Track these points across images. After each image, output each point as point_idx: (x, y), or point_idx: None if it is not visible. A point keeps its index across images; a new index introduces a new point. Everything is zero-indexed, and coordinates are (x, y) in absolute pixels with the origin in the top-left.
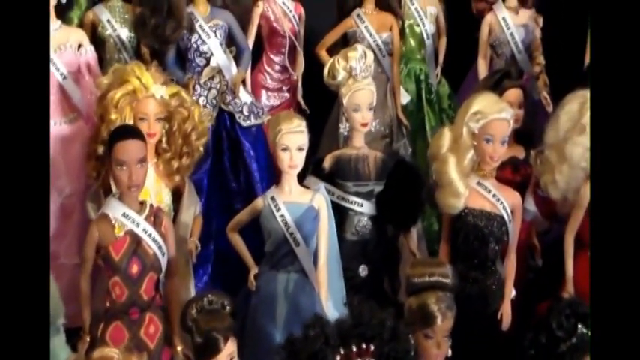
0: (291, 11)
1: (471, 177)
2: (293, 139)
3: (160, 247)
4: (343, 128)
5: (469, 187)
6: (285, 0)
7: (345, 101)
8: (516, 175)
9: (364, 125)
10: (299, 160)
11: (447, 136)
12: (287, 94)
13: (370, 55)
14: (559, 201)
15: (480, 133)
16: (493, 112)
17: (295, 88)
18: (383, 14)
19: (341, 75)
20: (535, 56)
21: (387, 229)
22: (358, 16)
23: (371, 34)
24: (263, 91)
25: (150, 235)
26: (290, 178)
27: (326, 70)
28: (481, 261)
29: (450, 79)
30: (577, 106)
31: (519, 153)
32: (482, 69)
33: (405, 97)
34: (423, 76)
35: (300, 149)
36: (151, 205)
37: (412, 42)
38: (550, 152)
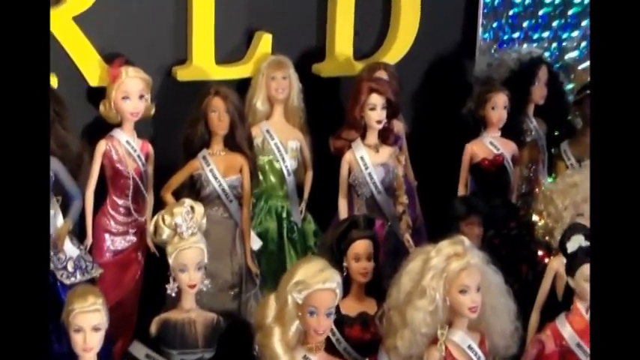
0: (135, 150)
1: (298, 349)
2: (87, 319)
3: None
4: (170, 289)
5: None
6: (130, 138)
7: (170, 261)
8: (366, 332)
9: (192, 287)
10: (94, 342)
11: (272, 304)
12: (134, 238)
13: (199, 210)
14: None
15: (303, 304)
16: (316, 283)
17: (143, 230)
18: (232, 155)
19: (166, 233)
20: (397, 195)
21: None
22: (204, 157)
23: (216, 178)
24: (107, 236)
25: None
26: None
27: (150, 228)
28: None
29: (318, 215)
30: (420, 265)
31: (371, 308)
32: (343, 210)
33: (255, 243)
34: (284, 214)
35: (96, 329)
36: None
37: (272, 178)
38: (394, 314)
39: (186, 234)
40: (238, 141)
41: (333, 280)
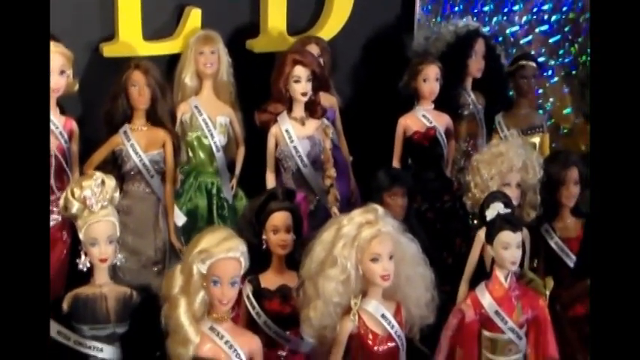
0: (58, 127)
1: (205, 321)
2: None
3: None
4: (81, 264)
5: (201, 333)
6: (51, 115)
7: (81, 235)
8: (286, 305)
9: (103, 261)
10: None
11: (177, 276)
12: (58, 217)
13: (110, 183)
14: (316, 340)
15: (207, 273)
16: (219, 252)
17: None
18: (154, 130)
19: (75, 207)
20: (326, 169)
21: None
22: (125, 132)
23: (137, 153)
24: None
25: None
26: None
27: (61, 202)
28: None
29: (251, 191)
30: (332, 234)
31: (291, 281)
32: (270, 184)
33: (179, 219)
34: (215, 190)
35: None
36: None
37: (201, 154)
38: (308, 285)
39: (95, 207)
40: (160, 115)
41: (237, 249)
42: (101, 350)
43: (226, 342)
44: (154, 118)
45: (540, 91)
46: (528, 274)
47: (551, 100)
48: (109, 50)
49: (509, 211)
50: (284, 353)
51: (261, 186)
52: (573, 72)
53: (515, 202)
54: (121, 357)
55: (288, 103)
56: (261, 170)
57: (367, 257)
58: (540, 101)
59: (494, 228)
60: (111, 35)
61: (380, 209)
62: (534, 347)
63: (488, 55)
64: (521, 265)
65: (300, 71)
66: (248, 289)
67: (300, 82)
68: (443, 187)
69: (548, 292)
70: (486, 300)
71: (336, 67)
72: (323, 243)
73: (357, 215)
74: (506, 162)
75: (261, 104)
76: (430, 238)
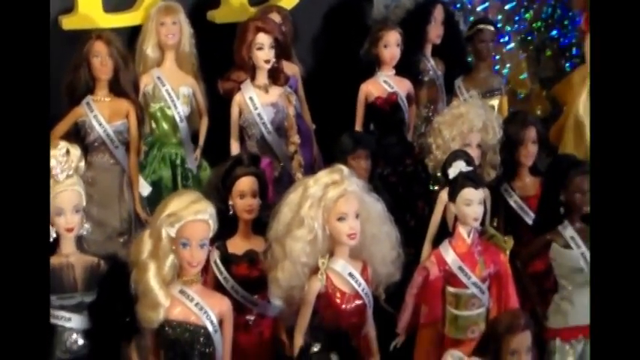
0: None
1: (175, 284)
2: None
3: None
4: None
5: (170, 296)
6: None
7: None
8: (253, 269)
9: (69, 230)
10: None
11: (146, 240)
12: None
13: (75, 153)
14: (284, 301)
15: (176, 237)
16: (188, 214)
17: None
18: (117, 100)
19: None
20: (289, 135)
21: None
22: (87, 104)
23: (100, 124)
24: None
25: None
26: None
27: None
28: None
29: (215, 161)
30: (299, 195)
31: (258, 245)
32: (235, 151)
33: (144, 189)
34: (179, 161)
35: None
36: None
37: (165, 125)
38: (275, 246)
39: (61, 176)
40: (123, 85)
41: (205, 211)
42: (69, 320)
43: (196, 304)
44: (116, 88)
45: (497, 57)
46: (489, 230)
47: (507, 65)
48: (68, 23)
49: (471, 169)
50: (252, 317)
51: (226, 156)
52: (529, 38)
53: (476, 162)
54: (89, 326)
55: (251, 71)
56: (225, 140)
57: (334, 217)
58: (497, 67)
59: (456, 185)
60: (70, 7)
61: (345, 169)
62: (496, 301)
63: (447, 22)
64: (482, 223)
65: (263, 38)
66: (215, 255)
67: (263, 50)
68: (405, 151)
69: (508, 252)
70: (450, 256)
71: (297, 36)
72: (290, 204)
73: (323, 176)
74: (467, 123)
75: (224, 73)
76: (393, 201)
